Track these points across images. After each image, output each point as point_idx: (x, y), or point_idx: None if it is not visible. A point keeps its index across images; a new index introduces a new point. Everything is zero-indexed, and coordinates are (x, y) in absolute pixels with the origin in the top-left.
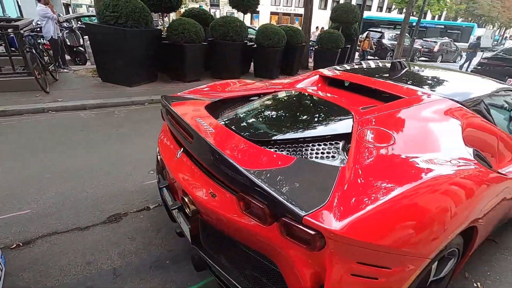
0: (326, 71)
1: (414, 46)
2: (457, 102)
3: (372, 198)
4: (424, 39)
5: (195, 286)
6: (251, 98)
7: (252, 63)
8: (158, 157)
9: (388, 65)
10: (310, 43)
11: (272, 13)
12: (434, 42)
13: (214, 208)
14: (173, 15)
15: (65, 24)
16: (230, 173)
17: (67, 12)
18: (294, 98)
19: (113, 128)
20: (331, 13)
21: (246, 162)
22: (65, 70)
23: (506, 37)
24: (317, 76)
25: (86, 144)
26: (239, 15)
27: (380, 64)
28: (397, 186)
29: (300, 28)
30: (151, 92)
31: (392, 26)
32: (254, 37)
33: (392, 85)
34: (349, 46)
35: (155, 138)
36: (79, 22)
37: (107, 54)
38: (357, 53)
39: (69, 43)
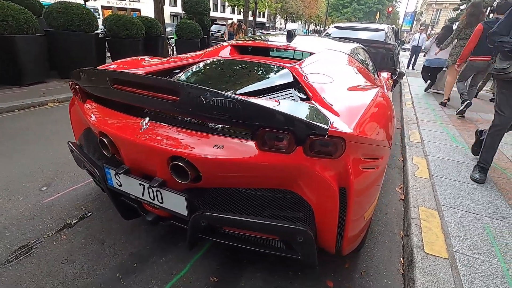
0: (237, 42)
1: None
2: (346, 53)
3: (354, 112)
4: (260, 31)
5: (181, 273)
6: (175, 71)
7: (108, 57)
8: (105, 140)
9: (276, 37)
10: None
11: (103, 7)
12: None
13: (228, 159)
14: None
15: None
16: (250, 114)
17: None
18: (231, 62)
19: None
20: (183, 3)
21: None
22: None
23: (311, 30)
24: (229, 46)
25: None
26: None
27: (272, 36)
28: (360, 102)
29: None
30: None
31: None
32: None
33: (300, 46)
34: (206, 37)
35: (16, 155)
36: None
37: None
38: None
39: None
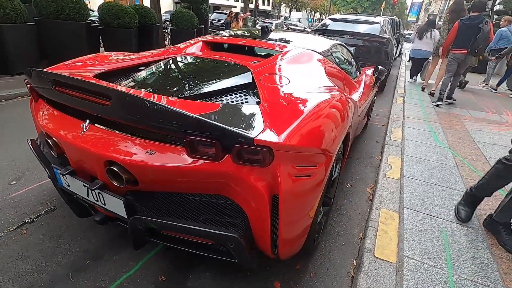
0: (208, 38)
1: (257, 26)
2: (318, 53)
3: (292, 119)
4: (262, 20)
5: (131, 271)
6: (140, 68)
7: (101, 47)
8: (49, 141)
9: (255, 31)
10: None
11: None
12: (270, 23)
13: (158, 165)
14: None
15: None
16: (175, 122)
17: None
18: (194, 61)
19: None
20: None
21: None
22: None
23: (316, 19)
24: (200, 42)
25: None
26: None
27: (247, 31)
28: (304, 108)
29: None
30: None
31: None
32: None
33: (270, 44)
34: (202, 26)
35: None
36: None
37: None
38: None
39: None
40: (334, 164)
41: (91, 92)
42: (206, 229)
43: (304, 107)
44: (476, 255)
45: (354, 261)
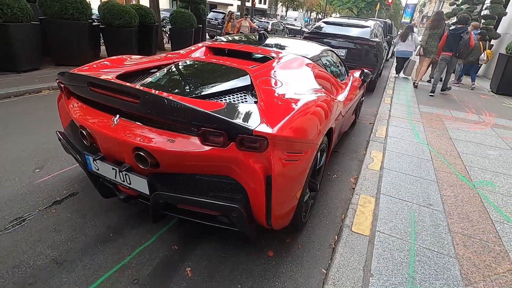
0: (211, 43)
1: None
2: (308, 58)
3: (283, 115)
4: (258, 19)
5: (149, 242)
6: (152, 70)
7: (102, 46)
8: (83, 132)
9: (253, 37)
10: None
11: None
12: (267, 22)
13: (177, 151)
14: None
15: None
16: (192, 116)
17: None
18: (200, 65)
19: None
20: None
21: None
22: None
23: (312, 18)
24: (204, 47)
25: None
26: None
27: (246, 37)
28: (294, 107)
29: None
30: None
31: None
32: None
33: (266, 50)
34: (200, 26)
35: (13, 140)
36: None
37: None
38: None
39: None
40: (319, 154)
41: (122, 92)
42: (214, 201)
43: (294, 105)
44: (436, 231)
45: (336, 236)
